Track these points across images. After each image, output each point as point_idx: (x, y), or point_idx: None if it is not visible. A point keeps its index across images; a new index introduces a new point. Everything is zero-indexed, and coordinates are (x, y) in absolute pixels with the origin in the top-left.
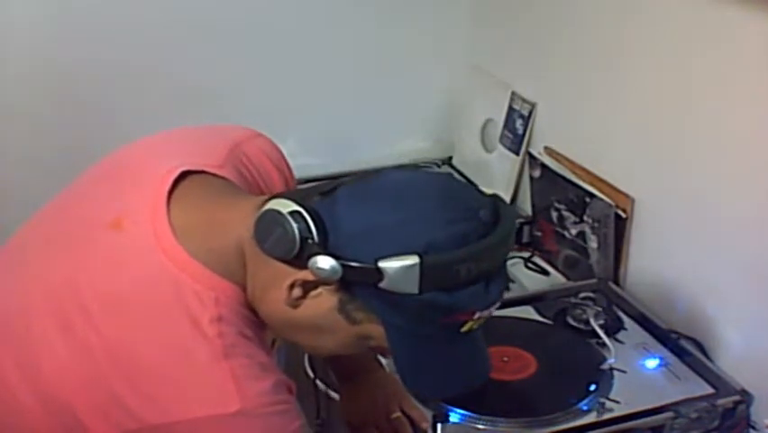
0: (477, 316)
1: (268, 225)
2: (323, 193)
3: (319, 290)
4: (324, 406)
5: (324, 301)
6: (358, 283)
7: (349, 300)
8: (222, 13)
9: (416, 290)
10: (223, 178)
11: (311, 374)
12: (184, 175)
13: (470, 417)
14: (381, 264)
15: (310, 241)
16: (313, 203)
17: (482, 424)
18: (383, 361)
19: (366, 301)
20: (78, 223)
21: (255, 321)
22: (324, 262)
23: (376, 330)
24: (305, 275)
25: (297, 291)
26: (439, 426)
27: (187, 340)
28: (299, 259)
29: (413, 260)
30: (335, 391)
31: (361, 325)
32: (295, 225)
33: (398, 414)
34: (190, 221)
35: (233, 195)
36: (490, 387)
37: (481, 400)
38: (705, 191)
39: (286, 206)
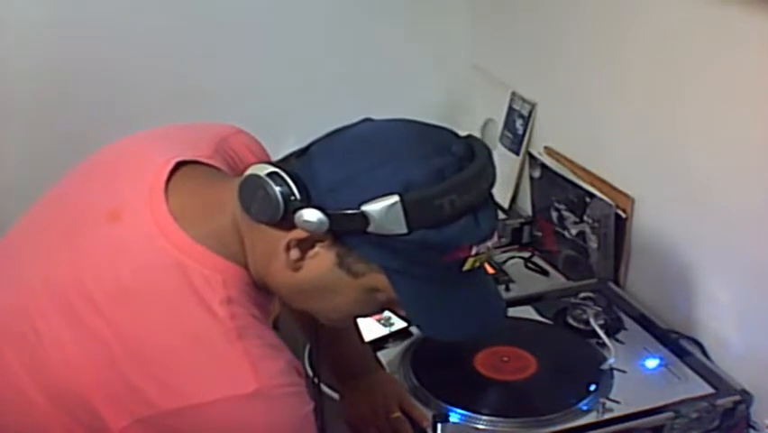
0: (474, 251)
1: (249, 190)
2: (298, 155)
3: (316, 249)
4: (323, 406)
5: (323, 260)
6: (348, 233)
7: (346, 253)
8: (222, 14)
9: (404, 230)
10: (214, 167)
11: (311, 374)
12: (178, 166)
13: (470, 417)
14: (364, 208)
15: (293, 198)
16: (289, 165)
17: (482, 424)
18: (383, 361)
19: (362, 251)
20: (74, 217)
21: (261, 303)
22: (310, 215)
23: (380, 280)
24: (296, 234)
25: (294, 253)
26: (439, 426)
27: (199, 323)
28: (287, 220)
29: (393, 199)
30: (335, 391)
31: (365, 277)
32: (274, 185)
33: (398, 414)
34: (187, 206)
35: (225, 179)
36: (490, 387)
37: (481, 400)
38: (705, 191)
39: (263, 169)
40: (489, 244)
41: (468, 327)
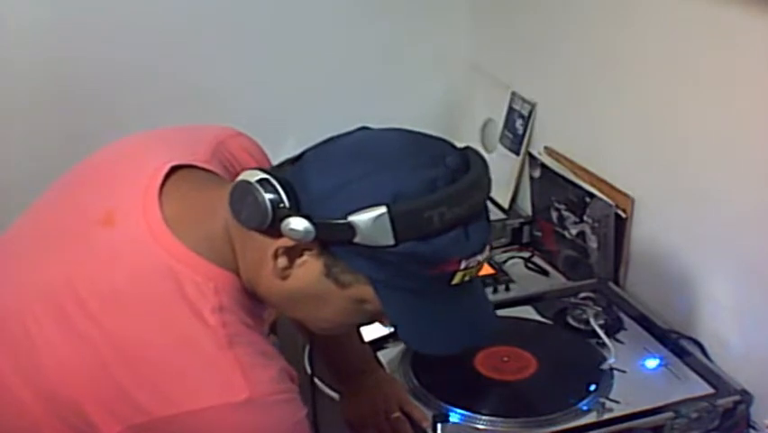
0: (463, 265)
1: (240, 196)
2: (292, 162)
3: (304, 257)
4: (323, 406)
5: (310, 268)
6: (335, 242)
7: (333, 263)
8: (222, 14)
9: (392, 241)
10: (210, 171)
11: (309, 372)
12: (173, 170)
13: (470, 417)
14: (351, 218)
15: (282, 205)
16: (283, 172)
17: (482, 424)
18: (383, 361)
19: (349, 261)
20: (69, 220)
21: (253, 309)
22: (297, 224)
23: (367, 291)
24: (284, 242)
25: (282, 261)
26: (439, 426)
27: (191, 331)
28: (275, 227)
29: (381, 210)
30: (335, 391)
31: (352, 287)
32: (263, 192)
33: (398, 414)
34: (181, 212)
35: (220, 184)
36: (490, 387)
37: (481, 400)
38: (705, 191)
39: (254, 175)
40: (480, 258)
41: (454, 342)
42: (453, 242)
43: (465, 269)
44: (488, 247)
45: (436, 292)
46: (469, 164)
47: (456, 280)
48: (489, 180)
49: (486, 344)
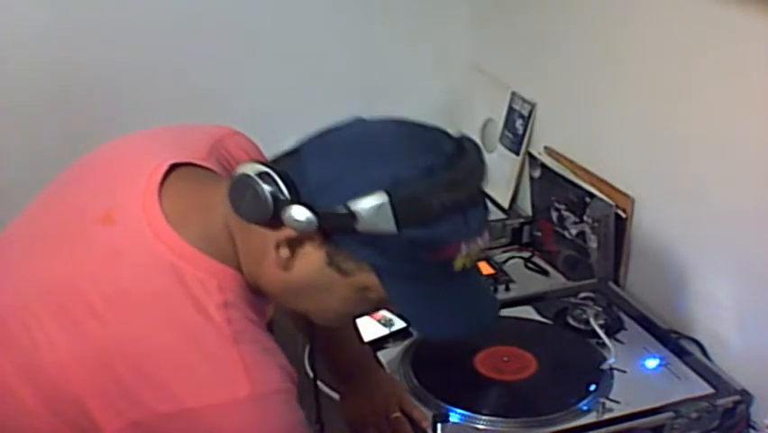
0: (464, 250)
1: (239, 190)
2: (289, 154)
3: (306, 247)
4: (323, 406)
5: (313, 258)
6: (337, 231)
7: (335, 252)
8: (222, 14)
9: (393, 228)
10: (208, 169)
11: (311, 374)
12: (172, 168)
13: (470, 417)
14: (353, 207)
15: (282, 197)
16: (281, 164)
17: (482, 424)
18: (383, 361)
19: (351, 249)
20: (68, 219)
21: (256, 305)
22: (299, 213)
23: (370, 279)
24: (286, 232)
25: (284, 251)
26: (439, 426)
27: (195, 327)
28: (276, 218)
29: (382, 197)
30: (335, 391)
31: (355, 275)
32: (263, 184)
33: (398, 414)
34: (180, 209)
35: (217, 181)
36: (490, 387)
37: (481, 400)
38: (705, 191)
39: (252, 168)
40: (480, 242)
41: (459, 326)
42: (454, 226)
43: (465, 254)
44: (486, 231)
45: (438, 278)
46: (464, 151)
47: (458, 265)
48: (485, 166)
49: (489, 330)
